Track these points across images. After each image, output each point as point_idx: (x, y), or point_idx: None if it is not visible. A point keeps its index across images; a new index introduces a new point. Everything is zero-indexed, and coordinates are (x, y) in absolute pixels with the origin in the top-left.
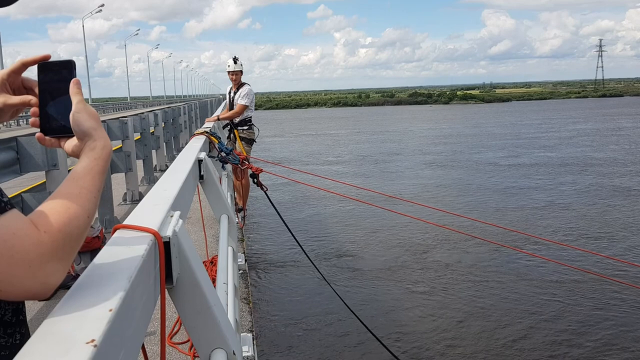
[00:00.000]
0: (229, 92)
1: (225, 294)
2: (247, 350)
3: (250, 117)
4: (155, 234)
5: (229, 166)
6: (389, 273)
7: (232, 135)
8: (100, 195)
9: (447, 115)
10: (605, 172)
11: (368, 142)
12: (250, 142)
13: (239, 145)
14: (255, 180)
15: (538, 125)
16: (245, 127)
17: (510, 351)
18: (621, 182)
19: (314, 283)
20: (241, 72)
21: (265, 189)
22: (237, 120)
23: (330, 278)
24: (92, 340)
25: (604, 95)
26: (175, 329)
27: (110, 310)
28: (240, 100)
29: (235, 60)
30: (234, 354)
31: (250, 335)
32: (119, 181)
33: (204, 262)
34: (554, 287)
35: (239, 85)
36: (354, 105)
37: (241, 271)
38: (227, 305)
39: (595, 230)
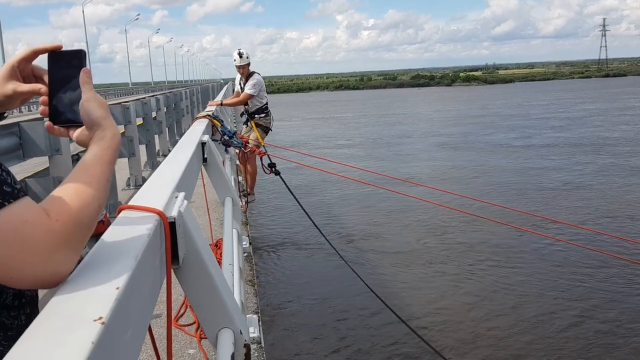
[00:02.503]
0: (240, 82)
1: (231, 275)
2: (253, 331)
3: (266, 104)
4: (161, 214)
5: (232, 149)
6: (407, 255)
7: (249, 124)
8: (109, 185)
9: (451, 97)
10: (620, 152)
11: (377, 125)
12: (266, 129)
13: (255, 133)
14: (273, 169)
15: (545, 106)
16: (262, 115)
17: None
18: (637, 161)
19: (323, 264)
20: (248, 64)
21: (267, 172)
22: (253, 109)
23: (346, 259)
24: (100, 318)
25: (607, 75)
26: (181, 312)
27: (118, 288)
28: (247, 89)
29: (240, 54)
30: (241, 333)
31: (255, 316)
32: (122, 166)
33: (209, 245)
34: (584, 271)
35: (248, 75)
36: (355, 89)
37: (246, 254)
38: (232, 286)
39: (621, 211)
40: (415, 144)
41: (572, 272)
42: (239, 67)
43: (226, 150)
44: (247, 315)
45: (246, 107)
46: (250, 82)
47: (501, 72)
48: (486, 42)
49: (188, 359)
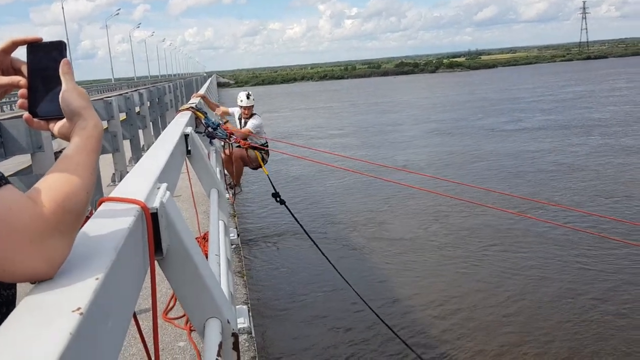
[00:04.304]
0: (239, 118)
1: (218, 266)
2: (243, 322)
3: (266, 143)
4: (142, 205)
5: (217, 141)
6: (409, 243)
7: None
8: (96, 174)
9: (437, 84)
10: (611, 132)
11: (367, 114)
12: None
13: (256, 154)
14: (277, 199)
15: (532, 90)
16: (263, 152)
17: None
18: (627, 141)
19: (312, 256)
20: (252, 106)
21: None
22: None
23: (349, 248)
24: (78, 309)
25: (588, 58)
26: (171, 305)
27: (97, 279)
28: (249, 126)
29: (247, 96)
30: (229, 322)
31: (245, 307)
32: (106, 162)
33: (196, 239)
34: (582, 252)
35: (250, 115)
36: (340, 78)
37: (234, 246)
38: (219, 276)
39: (618, 191)
40: (408, 131)
41: (575, 255)
42: (244, 108)
43: (211, 142)
44: (237, 306)
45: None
46: (254, 121)
47: (484, 57)
48: (469, 28)
49: (178, 352)
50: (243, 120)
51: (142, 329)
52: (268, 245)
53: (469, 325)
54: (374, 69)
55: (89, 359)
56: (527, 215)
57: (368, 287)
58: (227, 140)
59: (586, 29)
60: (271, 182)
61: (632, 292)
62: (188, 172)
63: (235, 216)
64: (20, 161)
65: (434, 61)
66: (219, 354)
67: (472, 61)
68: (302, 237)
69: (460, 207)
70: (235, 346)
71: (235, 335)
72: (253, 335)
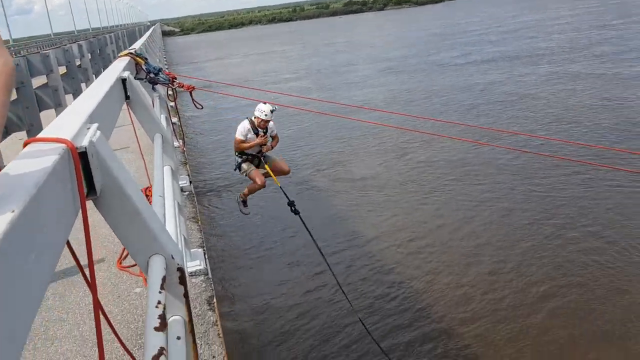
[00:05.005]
0: (253, 130)
1: (162, 207)
2: (199, 264)
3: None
4: (68, 144)
5: (162, 88)
6: (371, 181)
7: (260, 164)
8: (7, 109)
9: (387, 22)
10: (557, 60)
11: (319, 56)
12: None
13: (269, 172)
14: (292, 208)
15: (480, 22)
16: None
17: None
18: (573, 68)
19: (272, 204)
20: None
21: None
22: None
23: (302, 193)
24: None
25: None
26: (125, 253)
27: (13, 211)
28: (276, 132)
29: (272, 111)
30: (173, 257)
31: (201, 250)
32: (49, 118)
33: (144, 189)
34: (534, 175)
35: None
36: (289, 20)
37: (187, 193)
38: (164, 217)
39: (568, 116)
40: (362, 71)
41: (529, 178)
42: (264, 121)
43: (154, 89)
44: (192, 250)
45: (265, 147)
46: (273, 126)
47: None
48: None
49: (135, 298)
50: (260, 131)
51: (95, 278)
52: (232, 192)
53: (441, 259)
54: (322, 9)
55: (9, 285)
56: (487, 144)
57: (332, 227)
58: (170, 85)
59: None
60: (284, 192)
61: (595, 210)
62: (133, 123)
63: (186, 163)
64: None
65: None
66: (162, 287)
67: None
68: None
69: (419, 142)
70: (182, 281)
71: (180, 270)
72: (210, 276)
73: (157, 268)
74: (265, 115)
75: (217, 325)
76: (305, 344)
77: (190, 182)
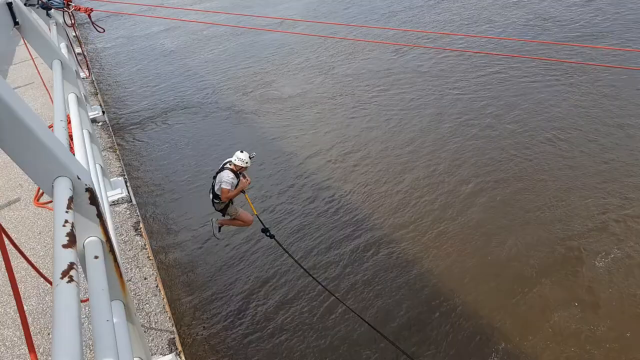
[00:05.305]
0: (235, 177)
1: (65, 131)
2: (121, 192)
3: None
4: None
5: (60, 14)
6: (299, 99)
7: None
8: None
9: None
10: None
11: None
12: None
13: (247, 199)
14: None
15: None
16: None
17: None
18: None
19: (198, 131)
20: None
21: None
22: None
23: (231, 117)
24: None
25: None
26: (41, 191)
27: None
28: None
29: (250, 157)
30: (79, 178)
31: (121, 178)
32: None
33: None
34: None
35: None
36: None
37: (100, 123)
38: (67, 141)
39: (481, 16)
40: None
41: (453, 82)
42: (242, 168)
43: (48, 15)
44: (112, 179)
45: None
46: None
47: None
48: None
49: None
50: (240, 174)
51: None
52: (157, 124)
53: (376, 169)
54: None
55: None
56: (412, 44)
57: (265, 145)
58: (65, 9)
59: None
60: (260, 220)
61: (517, 105)
62: (33, 58)
63: (97, 94)
64: None
65: None
66: (69, 207)
67: None
68: (190, 111)
69: (344, 55)
70: (93, 201)
71: (90, 190)
72: (134, 203)
73: (62, 188)
74: (247, 163)
75: (146, 249)
76: (248, 272)
77: (104, 112)
